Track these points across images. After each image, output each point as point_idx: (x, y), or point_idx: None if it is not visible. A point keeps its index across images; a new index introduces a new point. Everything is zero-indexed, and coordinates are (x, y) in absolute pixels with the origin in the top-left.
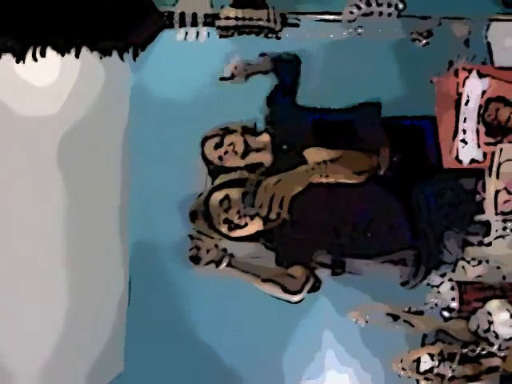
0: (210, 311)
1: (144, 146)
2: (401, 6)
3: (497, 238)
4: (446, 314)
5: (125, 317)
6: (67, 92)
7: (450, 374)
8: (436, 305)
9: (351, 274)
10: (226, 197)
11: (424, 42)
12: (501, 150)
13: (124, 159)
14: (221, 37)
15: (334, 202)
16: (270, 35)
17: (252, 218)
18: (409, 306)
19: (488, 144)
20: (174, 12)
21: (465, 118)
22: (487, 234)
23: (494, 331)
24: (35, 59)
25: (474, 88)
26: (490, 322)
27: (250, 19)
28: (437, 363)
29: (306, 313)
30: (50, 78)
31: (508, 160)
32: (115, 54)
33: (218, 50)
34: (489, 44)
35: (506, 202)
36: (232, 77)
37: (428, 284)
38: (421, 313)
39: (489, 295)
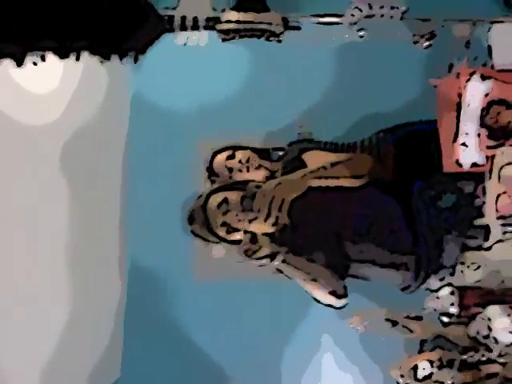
0: (207, 317)
1: (143, 151)
2: (403, 8)
3: (496, 242)
4: (445, 319)
5: (122, 323)
6: (67, 99)
7: (449, 381)
8: (435, 310)
9: (355, 277)
10: (225, 200)
11: (426, 44)
12: (502, 153)
13: (124, 165)
14: (223, 40)
15: (333, 205)
16: (271, 38)
17: (250, 221)
18: (408, 311)
19: (489, 147)
20: (174, 15)
21: (466, 121)
22: (487, 238)
23: (493, 337)
24: (35, 64)
25: (476, 90)
26: (490, 328)
27: (252, 22)
28: (436, 370)
29: (304, 316)
30: (50, 85)
31: (509, 163)
32: (115, 58)
33: (220, 53)
34: (489, 47)
35: (506, 206)
36: None
37: (427, 289)
38: (420, 318)
39: (488, 300)
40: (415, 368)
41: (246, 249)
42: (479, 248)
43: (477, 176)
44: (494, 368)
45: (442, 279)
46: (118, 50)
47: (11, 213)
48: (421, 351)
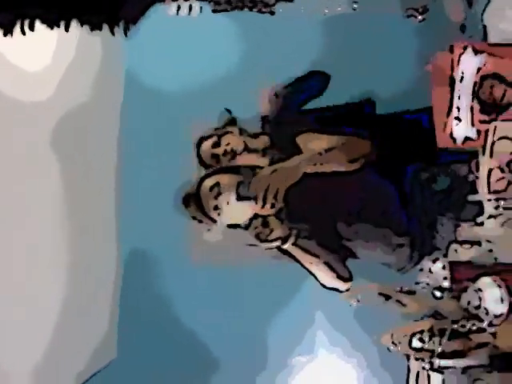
0: (202, 300)
1: (136, 131)
2: None
3: (489, 217)
4: (437, 293)
5: (118, 305)
6: (60, 77)
7: (439, 350)
8: (428, 284)
9: (350, 257)
10: (217, 184)
11: (420, 18)
12: (495, 127)
13: (119, 145)
14: (213, 11)
15: (328, 189)
16: (263, 10)
17: (241, 205)
18: (400, 286)
19: (482, 122)
20: None
21: (459, 96)
22: (480, 213)
23: (484, 308)
24: (23, 32)
25: (469, 65)
26: (481, 299)
27: None
28: (427, 339)
29: (296, 292)
30: (42, 63)
31: (502, 138)
32: (106, 29)
33: (211, 25)
34: (484, 27)
35: (498, 180)
36: None
37: (421, 269)
38: (413, 292)
39: (480, 273)
40: (411, 337)
41: (257, 232)
42: (472, 223)
43: (471, 152)
44: (485, 338)
45: (435, 260)
46: (108, 19)
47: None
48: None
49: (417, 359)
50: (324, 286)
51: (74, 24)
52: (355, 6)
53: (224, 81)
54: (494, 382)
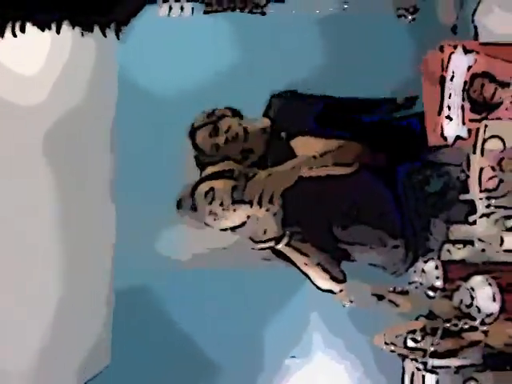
0: (196, 303)
1: (131, 135)
2: None
3: (481, 216)
4: (430, 293)
5: (112, 311)
6: (54, 80)
7: (432, 349)
8: (421, 284)
9: (345, 259)
10: (211, 189)
11: (410, 17)
12: (485, 126)
13: (113, 148)
14: (205, 12)
15: (323, 192)
16: (254, 10)
17: (235, 210)
18: (393, 286)
19: (473, 120)
20: None
21: (450, 94)
22: (472, 212)
23: (476, 306)
24: (14, 35)
25: (460, 63)
26: (473, 297)
27: None
28: (420, 338)
29: (292, 295)
30: (36, 66)
31: (493, 136)
32: (98, 31)
33: (203, 27)
34: (475, 28)
35: (490, 178)
36: None
37: (414, 270)
38: (406, 292)
39: (473, 272)
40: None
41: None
42: (464, 222)
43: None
44: (477, 336)
45: (426, 261)
46: (99, 20)
47: None
48: None
49: (411, 359)
50: (318, 288)
51: (66, 26)
52: (345, 6)
53: (217, 82)
54: (488, 380)
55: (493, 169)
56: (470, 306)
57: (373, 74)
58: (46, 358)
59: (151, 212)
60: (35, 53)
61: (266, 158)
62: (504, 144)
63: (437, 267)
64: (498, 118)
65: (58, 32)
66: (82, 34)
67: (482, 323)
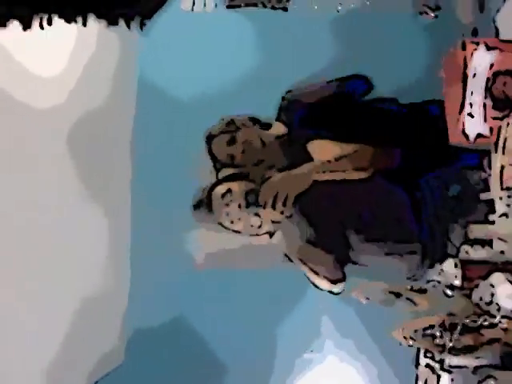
0: (207, 303)
1: (149, 136)
2: None
3: (501, 215)
4: (449, 292)
5: (125, 309)
6: (74, 82)
7: (450, 345)
8: (439, 282)
9: (356, 264)
10: (228, 190)
11: (432, 15)
12: (507, 124)
13: (132, 150)
14: (228, 7)
15: (338, 197)
16: (276, 6)
17: (250, 212)
18: (411, 284)
19: (495, 118)
20: None
21: (472, 92)
22: (491, 211)
23: (496, 303)
24: (42, 27)
25: (482, 61)
26: (493, 294)
27: None
28: (438, 333)
29: (303, 296)
30: (56, 68)
31: None
32: (122, 23)
33: (226, 22)
34: (497, 29)
35: (511, 177)
36: None
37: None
38: (424, 291)
39: (492, 269)
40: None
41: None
42: (484, 222)
43: (483, 151)
44: (496, 333)
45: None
46: (124, 13)
47: (14, 198)
48: None
49: (426, 356)
50: (318, 287)
51: (91, 19)
52: (368, 2)
53: (238, 80)
54: (507, 378)
55: None
56: (489, 303)
57: (394, 70)
58: (59, 358)
59: (166, 212)
60: (56, 54)
61: (281, 162)
62: None
63: (456, 265)
64: None
65: (84, 24)
66: (108, 25)
67: (503, 319)
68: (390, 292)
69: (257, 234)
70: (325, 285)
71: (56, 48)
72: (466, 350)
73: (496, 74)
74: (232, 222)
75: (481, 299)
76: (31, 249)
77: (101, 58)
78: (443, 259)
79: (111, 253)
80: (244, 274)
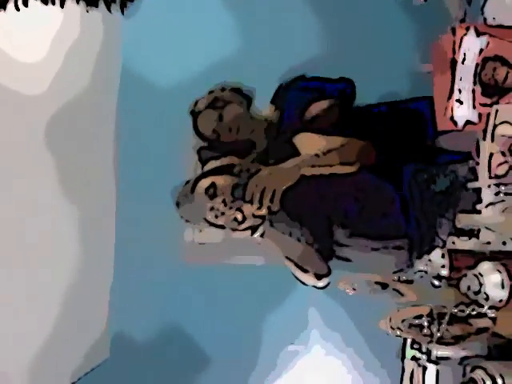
0: (195, 299)
1: (133, 124)
2: None
3: (489, 204)
4: (436, 282)
5: (110, 304)
6: (57, 68)
7: (438, 334)
8: (426, 273)
9: (341, 259)
10: (212, 185)
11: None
12: (496, 111)
13: (116, 139)
14: None
15: (325, 191)
16: None
17: (237, 208)
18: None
19: (484, 105)
20: None
21: (461, 78)
22: (479, 200)
23: (484, 293)
24: (17, 8)
25: (471, 46)
26: (481, 284)
27: None
28: (426, 323)
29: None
30: (39, 54)
31: (504, 122)
32: (102, 4)
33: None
34: (485, 20)
35: (499, 164)
36: None
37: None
38: (410, 282)
39: (480, 258)
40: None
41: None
42: (471, 211)
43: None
44: (485, 323)
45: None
46: None
47: None
48: None
49: (412, 348)
50: (301, 282)
51: (69, 1)
52: None
53: (222, 65)
54: (496, 368)
55: (503, 154)
56: (477, 292)
57: (382, 59)
58: (45, 353)
59: (151, 206)
60: (39, 40)
61: (268, 154)
62: None
63: (443, 256)
64: (510, 103)
65: (61, 6)
66: (87, 6)
67: (491, 309)
68: (377, 283)
69: (237, 230)
70: (309, 280)
71: (38, 33)
72: (454, 340)
73: (486, 60)
74: (216, 217)
75: (469, 289)
76: (10, 244)
77: (84, 43)
78: (430, 251)
79: (95, 248)
80: (229, 268)
